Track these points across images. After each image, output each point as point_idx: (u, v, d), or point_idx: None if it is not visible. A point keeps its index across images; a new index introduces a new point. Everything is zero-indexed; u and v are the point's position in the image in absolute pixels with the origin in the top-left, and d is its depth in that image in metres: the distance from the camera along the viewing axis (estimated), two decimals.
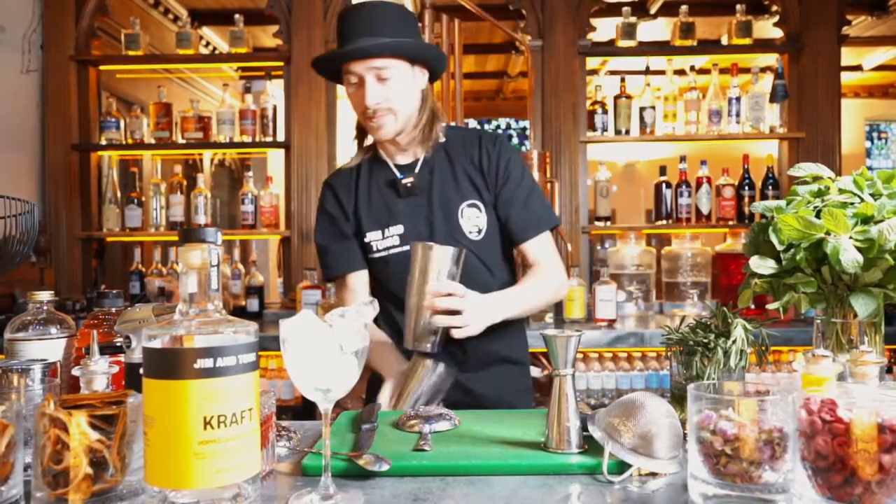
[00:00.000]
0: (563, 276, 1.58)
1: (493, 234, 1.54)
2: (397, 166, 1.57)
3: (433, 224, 1.52)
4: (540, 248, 1.56)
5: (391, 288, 1.54)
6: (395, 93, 1.46)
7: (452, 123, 1.65)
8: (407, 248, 1.49)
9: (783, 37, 3.42)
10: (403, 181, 1.54)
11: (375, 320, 1.59)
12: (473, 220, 1.52)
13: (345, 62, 1.45)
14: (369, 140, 1.62)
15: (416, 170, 1.55)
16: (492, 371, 1.54)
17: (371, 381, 1.58)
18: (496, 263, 1.56)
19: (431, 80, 1.56)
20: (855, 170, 1.15)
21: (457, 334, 1.34)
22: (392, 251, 1.53)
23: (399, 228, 1.53)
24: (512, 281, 1.60)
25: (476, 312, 1.35)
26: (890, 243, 1.00)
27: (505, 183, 1.53)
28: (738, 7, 3.37)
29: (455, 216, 1.52)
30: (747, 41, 3.41)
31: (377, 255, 1.55)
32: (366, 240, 1.55)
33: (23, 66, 3.39)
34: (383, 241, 1.54)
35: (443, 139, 1.57)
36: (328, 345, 0.85)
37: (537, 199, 1.56)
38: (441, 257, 1.33)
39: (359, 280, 1.58)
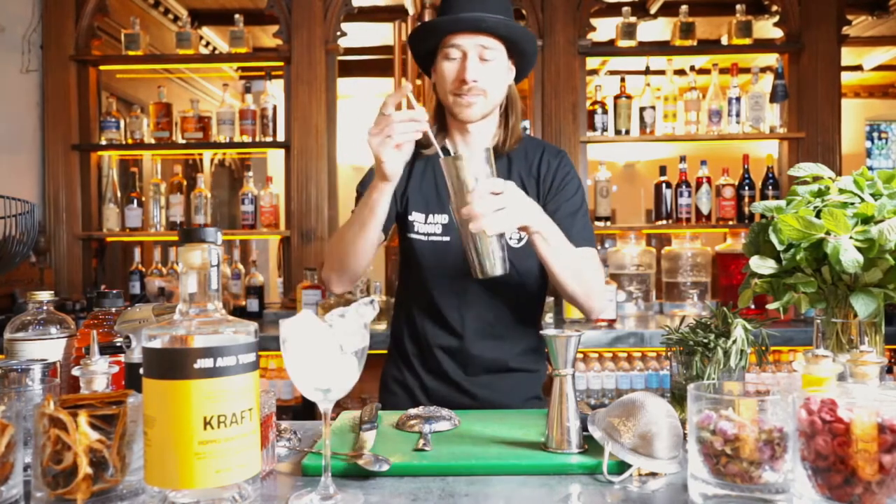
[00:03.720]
0: (603, 287, 1.49)
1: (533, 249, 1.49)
2: None
3: None
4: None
5: (420, 275, 1.51)
6: (493, 75, 1.43)
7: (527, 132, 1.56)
8: (448, 238, 1.49)
9: (783, 37, 3.42)
10: None
11: (399, 320, 1.58)
12: None
13: (452, 32, 1.41)
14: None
15: None
16: (497, 377, 1.52)
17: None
18: (530, 276, 1.51)
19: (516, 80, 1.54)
20: (855, 170, 1.15)
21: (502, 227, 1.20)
22: (432, 238, 1.51)
23: (444, 218, 1.50)
24: (542, 298, 1.58)
25: (519, 202, 1.23)
26: (890, 243, 1.00)
27: (556, 194, 1.50)
28: (738, 7, 3.37)
29: None
30: (747, 41, 3.41)
31: (416, 236, 1.52)
32: (409, 217, 1.53)
33: (23, 65, 3.39)
34: (425, 225, 1.51)
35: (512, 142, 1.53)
36: (328, 345, 0.85)
37: (583, 218, 1.51)
38: (472, 163, 1.20)
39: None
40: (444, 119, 1.55)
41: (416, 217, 1.52)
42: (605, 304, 1.46)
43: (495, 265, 1.23)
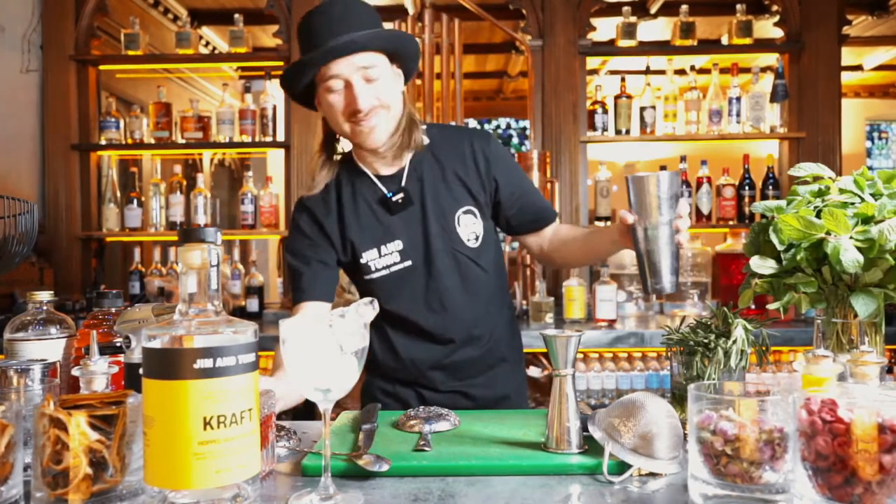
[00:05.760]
0: None
1: (489, 240, 1.50)
2: (380, 178, 1.46)
3: (429, 234, 1.44)
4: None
5: (391, 307, 1.45)
6: (384, 90, 1.35)
7: (430, 122, 1.59)
8: (409, 263, 1.44)
9: (783, 37, 3.42)
10: (394, 199, 1.44)
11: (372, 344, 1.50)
12: (471, 226, 1.47)
13: (325, 63, 1.31)
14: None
15: (404, 181, 1.45)
16: (490, 375, 1.53)
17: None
18: (493, 268, 1.51)
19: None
20: (855, 170, 1.15)
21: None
22: (393, 268, 1.45)
23: (397, 244, 1.44)
24: (506, 285, 1.60)
25: None
26: (890, 243, 1.00)
27: (506, 177, 1.49)
28: (739, 7, 3.37)
29: (452, 225, 1.45)
30: (747, 41, 3.41)
31: (376, 274, 1.45)
32: (362, 261, 1.45)
33: (22, 65, 3.39)
34: (381, 259, 1.45)
35: (426, 141, 1.47)
36: (328, 345, 0.85)
37: (538, 191, 1.60)
38: (672, 182, 1.20)
39: (322, 310, 1.47)
40: (332, 149, 1.48)
41: (368, 256, 1.45)
42: None
43: (674, 279, 1.21)
